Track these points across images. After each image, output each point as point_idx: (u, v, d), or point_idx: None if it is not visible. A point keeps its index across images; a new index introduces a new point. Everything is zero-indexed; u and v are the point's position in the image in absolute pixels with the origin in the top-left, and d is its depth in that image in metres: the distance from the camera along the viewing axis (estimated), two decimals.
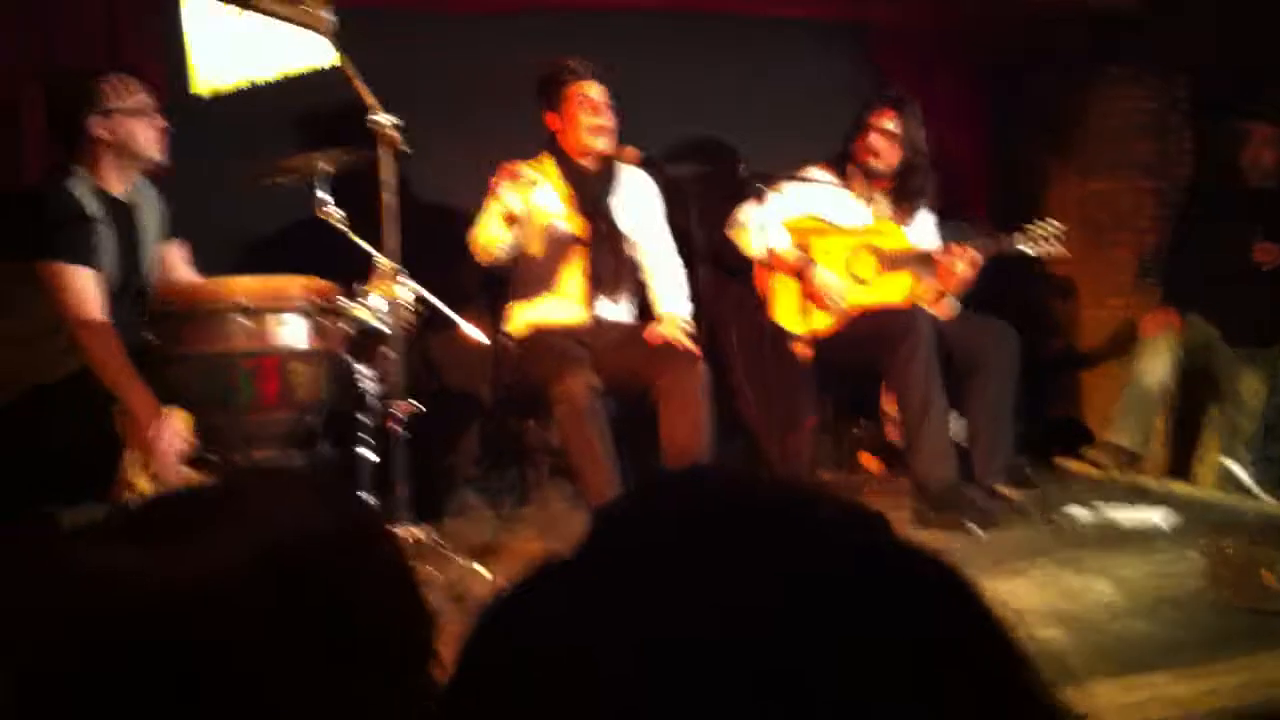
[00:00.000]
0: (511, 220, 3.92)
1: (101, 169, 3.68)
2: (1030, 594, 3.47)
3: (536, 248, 4.32)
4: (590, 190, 4.36)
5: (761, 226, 4.38)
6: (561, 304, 4.37)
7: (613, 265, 4.37)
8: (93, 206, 3.70)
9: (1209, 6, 5.25)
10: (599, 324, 4.37)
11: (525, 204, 3.88)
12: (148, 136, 3.70)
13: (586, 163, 4.39)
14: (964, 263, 4.51)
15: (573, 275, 4.36)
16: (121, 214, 3.76)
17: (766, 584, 0.59)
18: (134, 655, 0.80)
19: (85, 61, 4.19)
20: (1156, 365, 5.00)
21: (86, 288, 3.58)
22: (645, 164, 4.42)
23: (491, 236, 4.02)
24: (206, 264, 4.07)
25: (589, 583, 0.63)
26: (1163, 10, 5.50)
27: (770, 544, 0.62)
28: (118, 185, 3.74)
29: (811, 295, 4.58)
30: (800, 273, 4.58)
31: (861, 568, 0.62)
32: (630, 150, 4.32)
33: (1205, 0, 5.27)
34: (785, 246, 4.56)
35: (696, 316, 4.38)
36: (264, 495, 0.91)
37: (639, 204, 4.54)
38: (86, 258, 3.59)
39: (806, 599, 0.59)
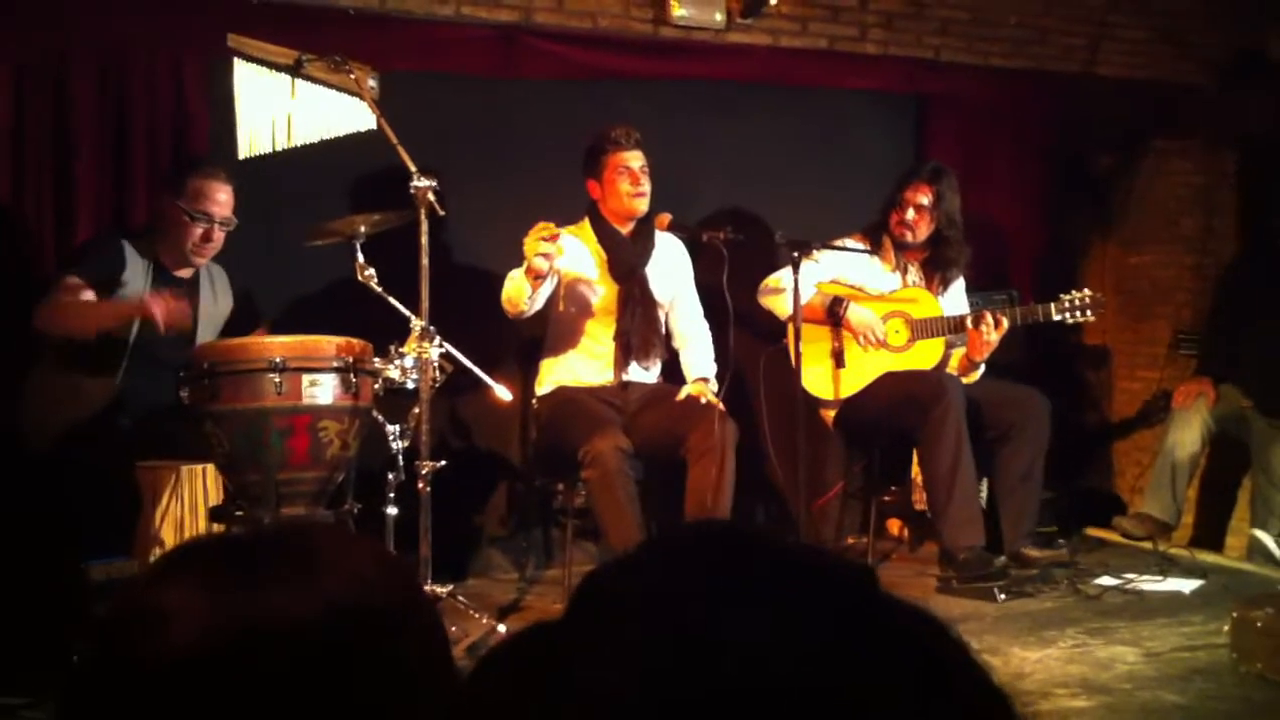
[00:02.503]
0: (536, 276, 3.97)
1: (162, 247, 3.96)
2: (1059, 664, 3.45)
3: (566, 307, 4.37)
4: (626, 256, 4.40)
5: (794, 290, 4.40)
6: (590, 365, 4.40)
7: (643, 330, 4.39)
8: (136, 270, 3.81)
9: (1267, 81, 5.27)
10: (626, 387, 4.39)
11: (551, 262, 3.93)
12: (195, 241, 3.92)
13: (624, 229, 4.44)
14: (995, 331, 4.51)
15: (603, 337, 4.39)
16: (174, 290, 3.88)
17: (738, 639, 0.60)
18: (186, 694, 0.82)
19: (159, 127, 4.33)
20: (1188, 436, 4.97)
21: (73, 292, 3.73)
22: (675, 228, 4.46)
23: (518, 291, 4.08)
24: (248, 323, 4.15)
25: (565, 641, 0.64)
26: (1227, 85, 5.51)
27: (744, 598, 0.62)
28: (174, 266, 3.96)
29: (849, 332, 4.59)
30: (834, 313, 4.60)
31: (844, 620, 0.62)
32: (661, 216, 4.37)
33: (1265, 75, 5.29)
34: (815, 294, 4.58)
35: (726, 379, 4.39)
36: (331, 547, 0.93)
37: (672, 271, 4.58)
38: (94, 280, 3.77)
39: (781, 654, 0.59)
